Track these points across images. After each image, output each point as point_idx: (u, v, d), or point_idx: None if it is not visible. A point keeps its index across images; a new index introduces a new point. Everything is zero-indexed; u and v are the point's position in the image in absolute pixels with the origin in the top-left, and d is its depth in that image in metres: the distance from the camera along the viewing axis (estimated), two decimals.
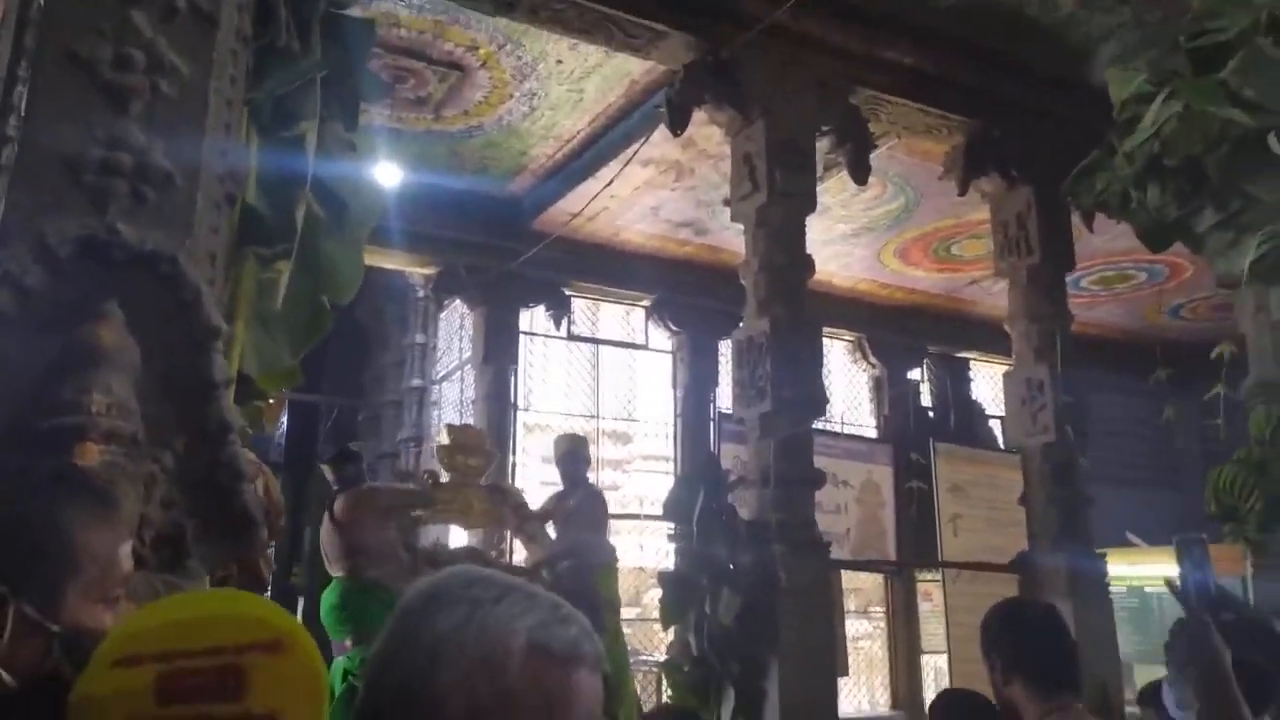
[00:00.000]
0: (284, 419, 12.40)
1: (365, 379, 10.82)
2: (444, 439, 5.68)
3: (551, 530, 5.88)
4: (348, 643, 4.81)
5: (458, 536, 6.68)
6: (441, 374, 9.96)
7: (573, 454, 5.92)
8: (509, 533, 5.84)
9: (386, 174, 7.45)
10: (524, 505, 5.76)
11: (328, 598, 4.87)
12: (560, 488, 6.10)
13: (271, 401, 2.44)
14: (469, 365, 9.46)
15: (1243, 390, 3.46)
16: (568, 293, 9.59)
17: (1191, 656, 1.34)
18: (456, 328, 9.92)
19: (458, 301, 9.55)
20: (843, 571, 6.78)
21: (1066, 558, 6.07)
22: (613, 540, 6.08)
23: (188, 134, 1.54)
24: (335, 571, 5.02)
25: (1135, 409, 10.41)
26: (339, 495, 5.14)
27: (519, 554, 6.22)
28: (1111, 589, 6.50)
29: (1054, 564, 6.12)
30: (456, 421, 9.51)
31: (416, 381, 9.91)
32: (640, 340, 10.16)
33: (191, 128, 1.55)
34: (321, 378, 11.70)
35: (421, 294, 9.59)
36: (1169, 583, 1.48)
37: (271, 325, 2.29)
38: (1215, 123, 3.17)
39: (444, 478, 5.46)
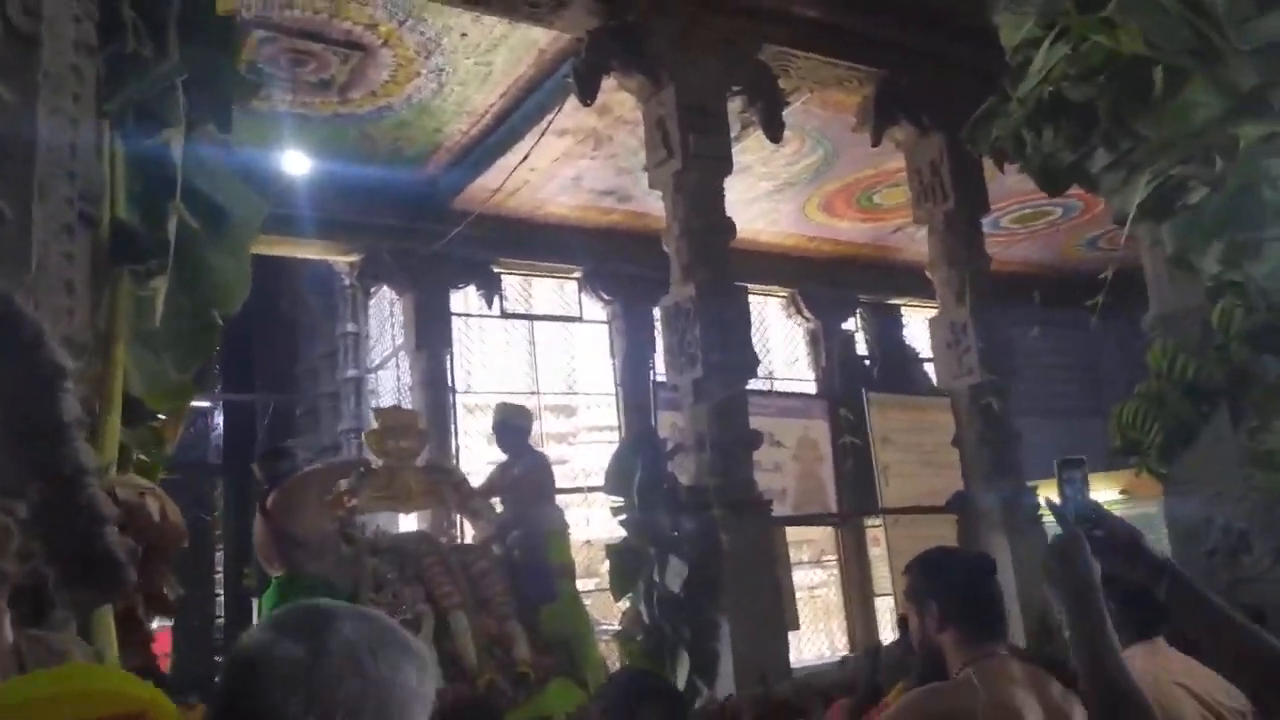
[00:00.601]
0: (219, 420, 12.13)
1: (299, 373, 10.62)
2: (373, 424, 5.52)
3: (499, 504, 5.78)
4: None
5: (405, 524, 6.56)
6: (376, 362, 9.82)
7: (505, 423, 5.75)
8: (455, 513, 5.68)
9: (295, 162, 7.26)
10: (464, 482, 5.64)
11: (268, 600, 4.68)
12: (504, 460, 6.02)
13: (166, 418, 2.36)
14: (403, 351, 9.33)
15: (1143, 323, 3.56)
16: (497, 270, 9.49)
17: (1062, 572, 1.36)
18: (387, 314, 9.76)
19: (385, 288, 9.39)
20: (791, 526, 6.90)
21: (999, 494, 6.24)
22: (560, 506, 5.96)
23: (15, 164, 1.46)
24: (274, 571, 4.89)
25: (1062, 342, 10.70)
26: (269, 492, 4.98)
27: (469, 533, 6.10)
28: (1045, 519, 6.71)
29: (988, 501, 6.30)
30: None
31: (351, 372, 9.75)
32: (575, 313, 10.12)
33: (19, 157, 1.47)
34: (254, 376, 11.47)
35: (348, 282, 9.40)
36: (1048, 502, 1.50)
37: (155, 342, 2.22)
38: (1100, 54, 3.22)
39: (377, 464, 5.28)
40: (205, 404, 12.06)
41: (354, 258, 8.93)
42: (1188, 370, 2.95)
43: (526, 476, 5.46)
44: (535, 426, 7.22)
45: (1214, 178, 3.03)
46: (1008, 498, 6.31)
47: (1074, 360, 11.07)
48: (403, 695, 0.85)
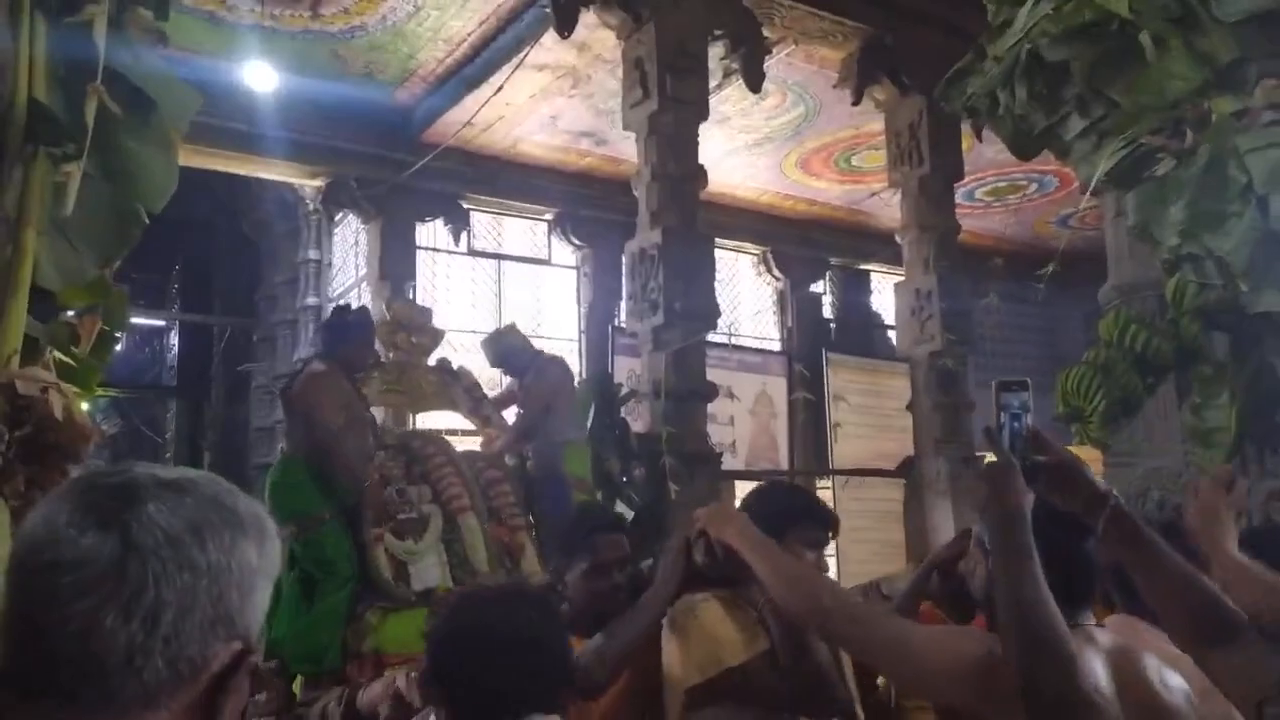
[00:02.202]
0: (175, 342, 11.92)
1: (258, 298, 10.42)
2: (385, 315, 5.07)
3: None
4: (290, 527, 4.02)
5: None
6: (338, 291, 9.64)
7: (502, 350, 5.32)
8: (467, 418, 5.16)
9: (260, 76, 7.02)
10: (478, 386, 5.20)
11: (272, 474, 4.12)
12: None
13: (84, 316, 2.26)
14: (366, 282, 9.16)
15: (1100, 294, 3.55)
16: (467, 207, 9.31)
17: (991, 498, 1.27)
18: (351, 243, 9.57)
19: (351, 216, 9.19)
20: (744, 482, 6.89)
21: (948, 461, 6.28)
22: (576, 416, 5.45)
23: None
24: (287, 444, 4.38)
25: (1024, 316, 10.75)
26: (303, 372, 4.25)
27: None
28: None
29: (936, 467, 6.34)
30: None
31: (312, 299, 9.58)
32: (544, 255, 9.99)
33: None
34: (212, 298, 11.25)
35: (312, 208, 9.19)
36: (984, 428, 1.40)
37: (72, 233, 2.11)
38: (1081, 16, 3.16)
39: (386, 358, 4.79)
40: (161, 324, 11.84)
41: (319, 182, 8.71)
42: (1137, 341, 2.94)
43: (541, 382, 5.11)
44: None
45: (1183, 150, 3.00)
46: (955, 465, 6.36)
47: (1036, 335, 11.14)
48: (243, 577, 0.73)
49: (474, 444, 5.07)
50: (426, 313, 5.22)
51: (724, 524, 1.64)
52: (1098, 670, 1.30)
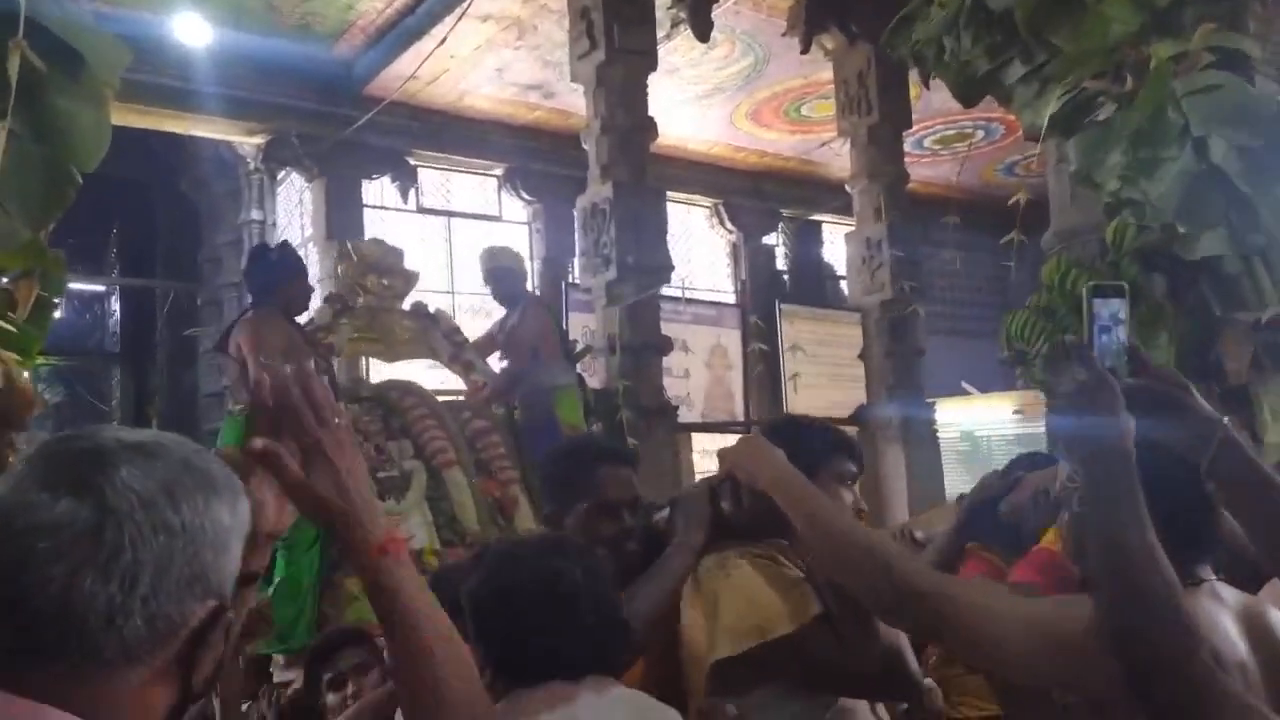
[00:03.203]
0: (116, 307, 11.60)
1: (201, 260, 10.16)
2: (350, 255, 4.67)
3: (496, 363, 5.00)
4: None
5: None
6: None
7: (496, 268, 4.93)
8: (447, 365, 4.83)
9: (193, 30, 6.78)
10: (458, 331, 4.85)
11: (223, 437, 3.84)
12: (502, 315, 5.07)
13: (19, 281, 2.20)
14: (312, 243, 8.98)
15: (1043, 240, 3.62)
16: (413, 163, 9.14)
17: (1084, 429, 1.02)
18: (295, 203, 9.36)
19: (294, 175, 8.98)
20: (702, 434, 6.97)
21: (899, 407, 6.41)
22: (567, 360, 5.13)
23: None
24: (236, 406, 4.02)
25: (972, 265, 10.92)
26: (238, 322, 3.99)
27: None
28: (944, 434, 6.95)
29: (888, 414, 6.47)
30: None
31: None
32: (495, 211, 9.87)
33: None
34: (155, 262, 10.94)
35: (253, 166, 8.95)
36: (1068, 342, 1.23)
37: (0, 195, 2.04)
38: None
39: (354, 302, 4.44)
40: (101, 289, 11.51)
41: (259, 140, 8.48)
42: (1078, 285, 3.01)
43: (525, 326, 4.76)
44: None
45: (1123, 94, 3.04)
46: (908, 412, 6.49)
47: (983, 283, 11.34)
48: (216, 537, 0.74)
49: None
50: (397, 253, 4.82)
51: (756, 463, 1.35)
52: (1229, 633, 1.09)
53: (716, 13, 6.37)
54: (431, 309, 4.85)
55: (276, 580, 3.37)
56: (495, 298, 5.00)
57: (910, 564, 1.20)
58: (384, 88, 8.03)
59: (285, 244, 4.28)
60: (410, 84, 7.87)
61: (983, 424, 8.05)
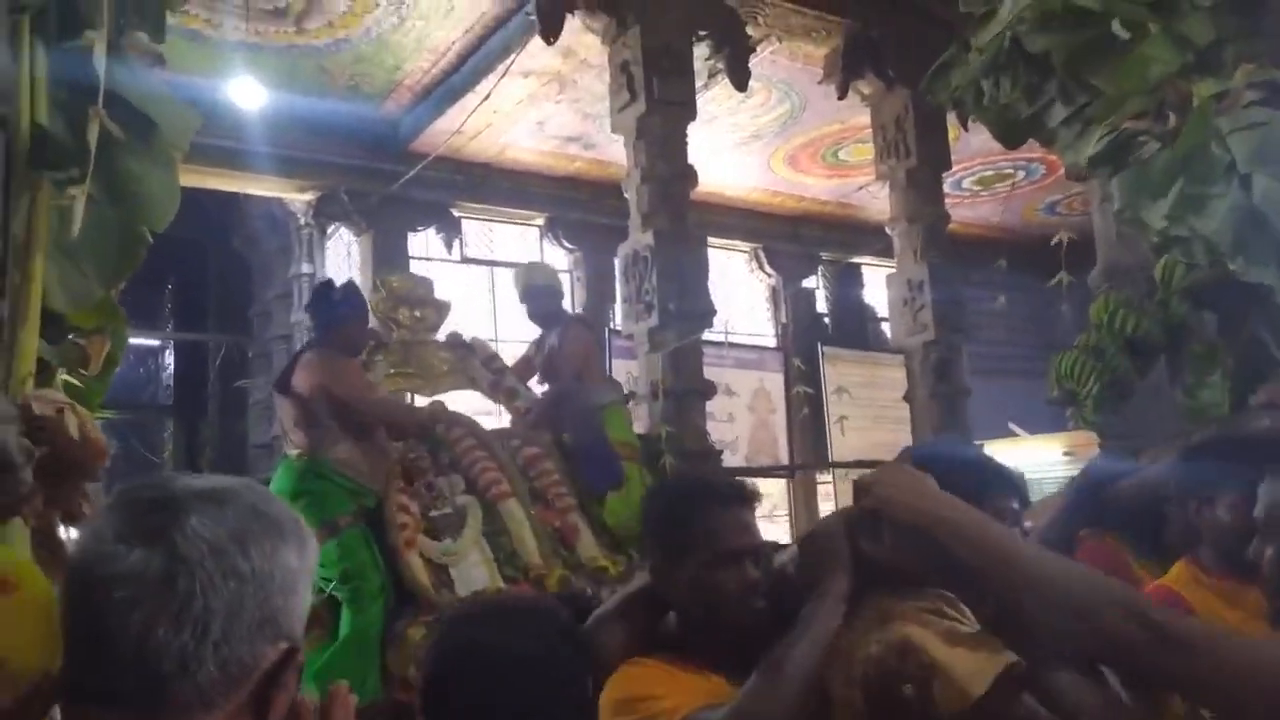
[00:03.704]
0: (170, 360, 11.91)
1: (252, 314, 10.43)
2: (380, 291, 4.57)
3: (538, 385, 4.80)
4: None
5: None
6: None
7: (531, 287, 4.72)
8: (488, 395, 4.62)
9: (248, 94, 7.04)
10: (496, 357, 4.68)
11: (276, 484, 3.66)
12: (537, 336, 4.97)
13: (92, 337, 2.29)
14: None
15: (1090, 279, 3.59)
16: (457, 214, 9.35)
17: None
18: (344, 256, 9.59)
19: (343, 229, 9.22)
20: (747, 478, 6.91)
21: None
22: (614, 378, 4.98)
23: None
24: (291, 449, 3.87)
25: (1017, 304, 10.81)
26: (299, 361, 3.82)
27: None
28: None
29: None
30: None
31: (306, 315, 9.58)
32: (536, 260, 10.02)
33: None
34: (207, 316, 11.25)
35: (303, 222, 9.21)
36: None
37: (77, 255, 2.14)
38: (1060, 3, 3.21)
39: (389, 338, 4.31)
40: (155, 343, 11.84)
41: (310, 196, 8.74)
42: (1128, 324, 2.99)
43: (566, 347, 4.56)
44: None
45: (1166, 133, 3.04)
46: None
47: (1028, 322, 11.21)
48: (285, 581, 0.77)
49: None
50: (427, 283, 4.69)
51: (910, 496, 1.11)
52: None
53: (753, 62, 6.48)
54: (466, 338, 4.70)
55: (344, 634, 3.23)
56: (531, 318, 4.82)
57: (1167, 611, 1.02)
58: (429, 143, 8.25)
59: (350, 283, 4.15)
60: (454, 139, 8.09)
61: (1032, 466, 7.90)
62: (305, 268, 9.58)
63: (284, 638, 0.76)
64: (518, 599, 1.46)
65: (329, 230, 9.35)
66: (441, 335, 4.57)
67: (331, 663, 3.13)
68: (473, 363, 4.46)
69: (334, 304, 3.88)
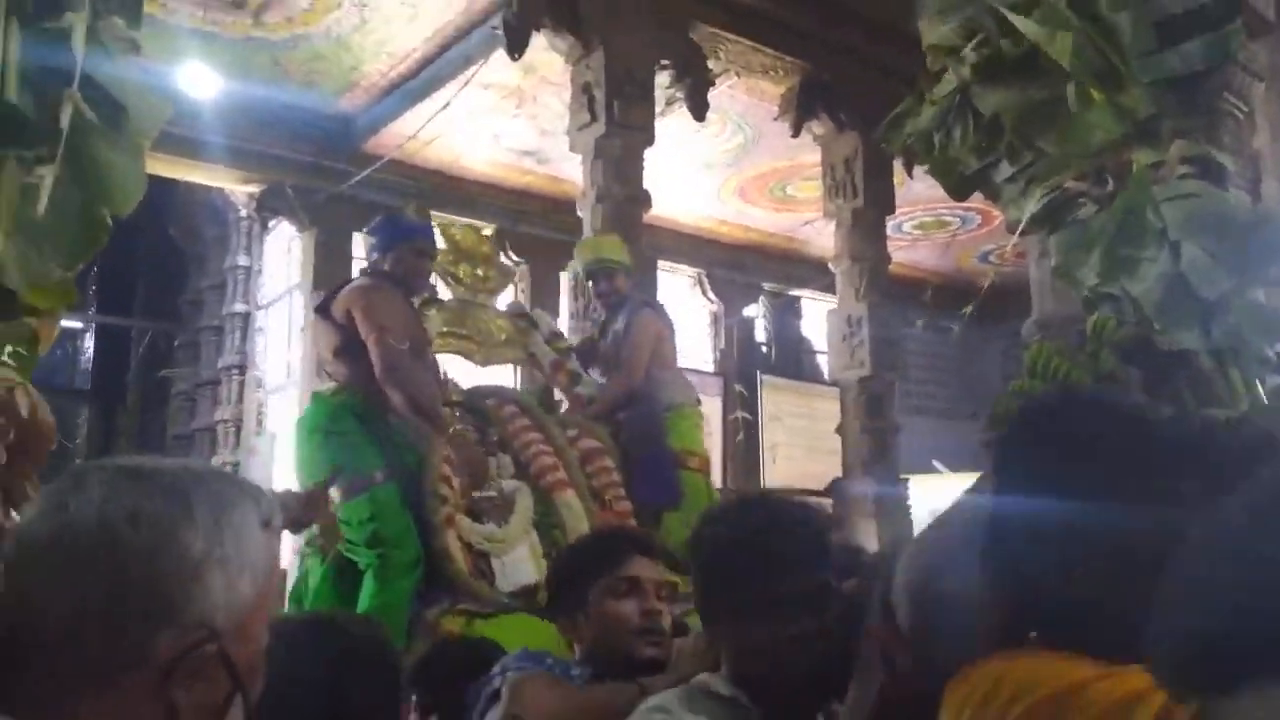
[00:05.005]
0: (90, 344, 11.48)
1: (182, 303, 10.15)
2: (441, 242, 3.88)
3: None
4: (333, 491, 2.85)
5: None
6: (268, 300, 9.46)
7: (602, 263, 4.20)
8: (547, 376, 4.09)
9: (202, 81, 6.91)
10: (561, 335, 4.19)
11: (304, 421, 3.16)
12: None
13: (42, 317, 2.24)
14: (298, 290, 9.02)
15: (1024, 328, 3.77)
16: None
17: None
18: (284, 251, 9.41)
19: (284, 224, 9.05)
20: None
21: (874, 483, 6.51)
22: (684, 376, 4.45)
23: None
24: (323, 382, 3.41)
25: (944, 345, 11.18)
26: (345, 287, 3.34)
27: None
28: (913, 510, 7.04)
29: (863, 489, 6.56)
30: (285, 347, 9.11)
31: (240, 306, 9.38)
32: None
33: None
34: (133, 301, 10.89)
35: (244, 214, 9.03)
36: None
37: (39, 236, 2.10)
38: (1013, 65, 3.37)
39: (445, 295, 3.78)
40: (77, 325, 11.41)
41: (254, 188, 8.57)
42: (1060, 372, 3.14)
43: (634, 335, 3.98)
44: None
45: (1103, 196, 3.23)
46: (880, 487, 6.58)
47: (954, 364, 11.57)
48: (181, 567, 0.71)
49: None
50: (493, 242, 4.16)
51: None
52: None
53: (712, 94, 6.62)
54: (529, 309, 4.26)
55: (364, 607, 2.80)
56: (598, 297, 4.32)
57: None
58: (382, 145, 8.19)
59: (420, 206, 3.66)
60: (408, 144, 8.04)
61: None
62: (242, 260, 9.38)
63: (193, 626, 0.71)
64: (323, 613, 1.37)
65: (270, 224, 9.17)
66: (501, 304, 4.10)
67: None
68: (534, 337, 3.96)
69: (403, 225, 3.36)
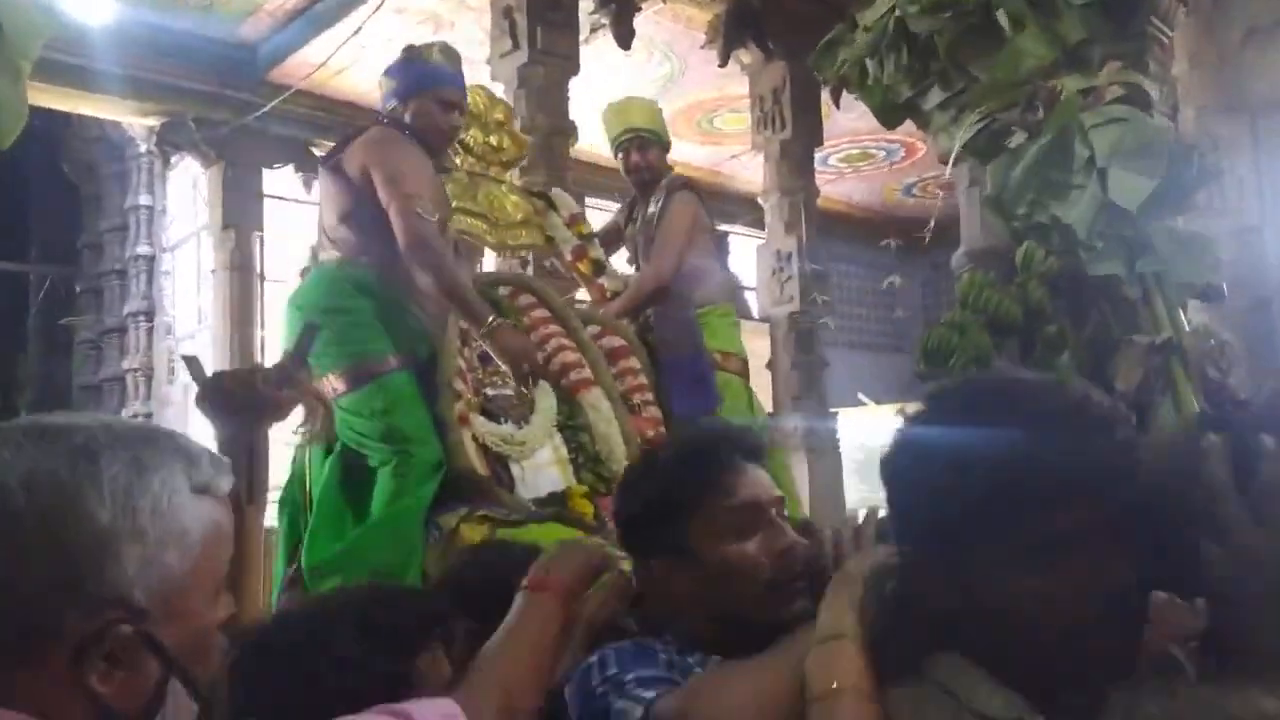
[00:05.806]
0: None
1: (81, 246, 9.60)
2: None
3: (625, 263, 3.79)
4: (331, 378, 2.50)
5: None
6: (174, 241, 9.01)
7: (633, 130, 3.76)
8: (567, 263, 3.66)
9: (95, 7, 6.40)
10: (582, 217, 3.68)
11: (303, 295, 2.74)
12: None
13: None
14: (205, 231, 8.60)
15: (953, 260, 3.78)
16: (319, 153, 8.85)
17: None
18: (189, 188, 8.94)
19: (189, 160, 8.57)
20: None
21: (804, 418, 6.58)
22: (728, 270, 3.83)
23: None
24: (327, 251, 2.84)
25: (870, 279, 11.32)
26: (356, 139, 2.80)
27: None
28: (841, 444, 7.15)
29: (793, 424, 6.63)
30: (195, 291, 8.70)
31: (144, 248, 8.93)
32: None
33: None
34: (29, 244, 10.26)
35: (144, 149, 8.51)
36: None
37: None
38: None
39: (453, 164, 3.28)
40: None
41: (153, 122, 8.07)
42: (989, 303, 3.16)
43: (671, 219, 3.50)
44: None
45: (1034, 124, 3.22)
46: (810, 422, 6.67)
47: (879, 298, 11.75)
48: (84, 537, 0.65)
49: None
50: (509, 109, 3.72)
51: None
52: None
53: (637, 20, 6.43)
54: (549, 189, 3.73)
55: (379, 513, 2.44)
56: (628, 174, 3.78)
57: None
58: (289, 74, 7.77)
59: (447, 46, 2.97)
60: (318, 73, 7.64)
61: (880, 435, 8.30)
62: (144, 199, 8.90)
63: (107, 604, 0.66)
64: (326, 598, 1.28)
65: (173, 160, 8.68)
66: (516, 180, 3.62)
67: (360, 546, 2.35)
68: (553, 219, 3.50)
69: (429, 68, 2.81)
